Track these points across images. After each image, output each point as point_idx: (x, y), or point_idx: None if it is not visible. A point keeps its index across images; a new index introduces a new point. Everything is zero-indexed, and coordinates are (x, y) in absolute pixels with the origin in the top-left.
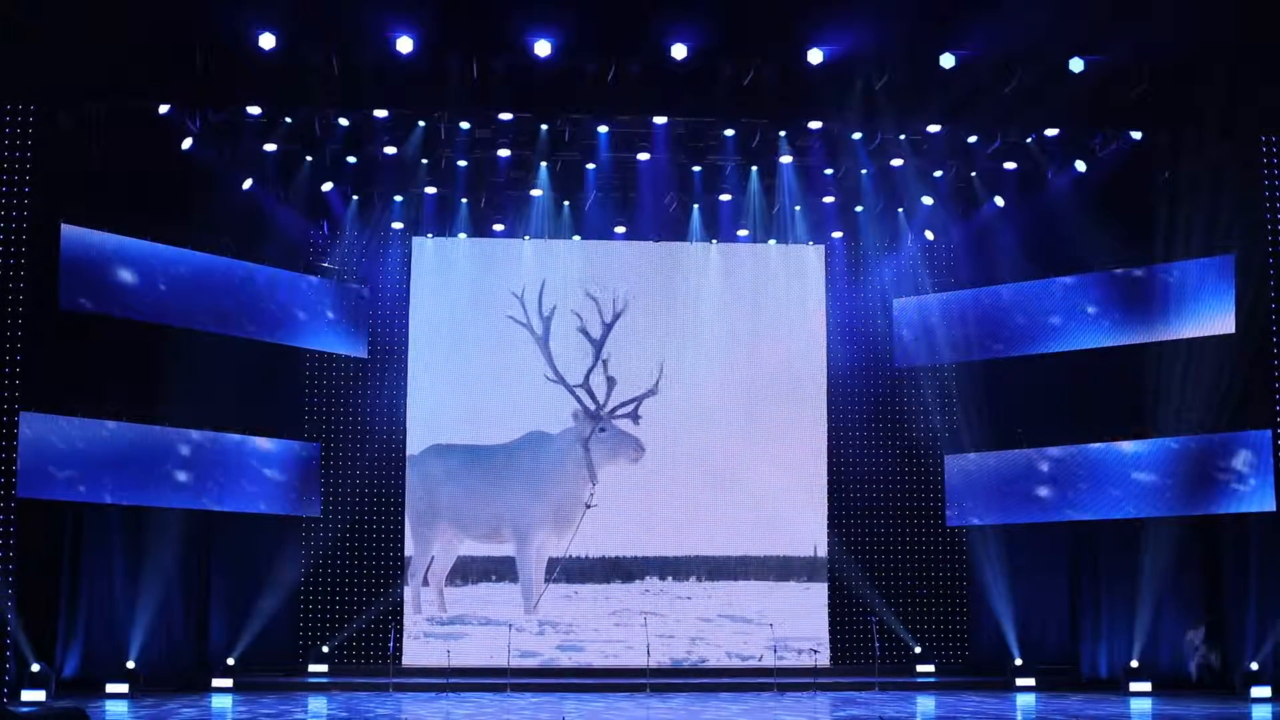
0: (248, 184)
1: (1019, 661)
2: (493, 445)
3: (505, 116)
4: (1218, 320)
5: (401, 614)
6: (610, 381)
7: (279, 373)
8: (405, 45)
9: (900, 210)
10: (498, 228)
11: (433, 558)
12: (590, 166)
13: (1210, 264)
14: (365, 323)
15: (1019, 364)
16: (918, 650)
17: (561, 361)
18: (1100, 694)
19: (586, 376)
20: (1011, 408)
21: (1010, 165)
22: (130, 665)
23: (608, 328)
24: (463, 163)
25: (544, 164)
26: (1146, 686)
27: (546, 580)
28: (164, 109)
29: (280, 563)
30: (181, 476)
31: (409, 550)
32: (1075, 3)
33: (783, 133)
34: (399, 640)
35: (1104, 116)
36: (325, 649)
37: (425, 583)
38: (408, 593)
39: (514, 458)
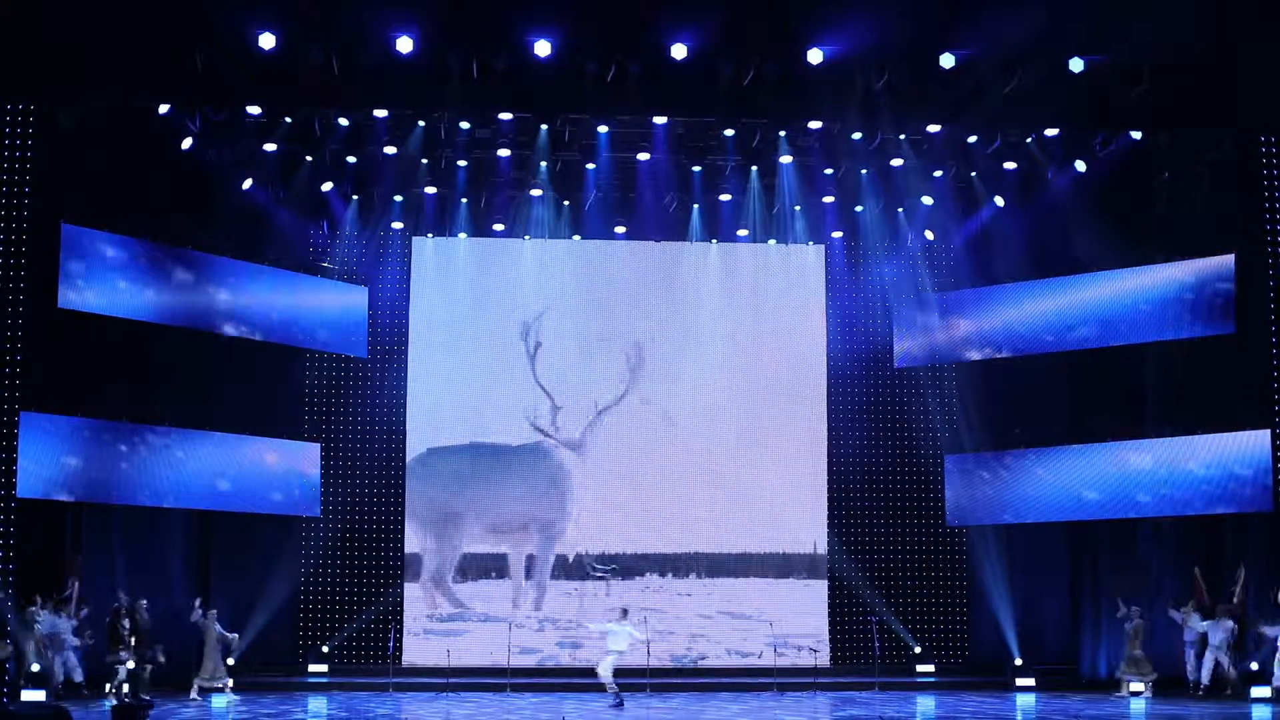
0: (248, 184)
1: (1019, 661)
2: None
3: (505, 116)
4: (1217, 320)
5: (401, 614)
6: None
7: (279, 373)
8: (405, 45)
9: (900, 210)
10: (498, 228)
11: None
12: (590, 166)
13: (1210, 264)
14: (365, 323)
15: (1019, 364)
16: (918, 650)
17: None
18: (1100, 694)
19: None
20: (1011, 408)
21: (1010, 165)
22: (130, 665)
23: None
24: (463, 163)
25: (544, 164)
26: (1140, 686)
27: (552, 577)
28: (164, 109)
29: (280, 563)
30: (181, 476)
31: (409, 548)
32: (1075, 2)
33: (783, 133)
34: (399, 640)
35: (1104, 116)
36: (325, 649)
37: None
38: (410, 589)
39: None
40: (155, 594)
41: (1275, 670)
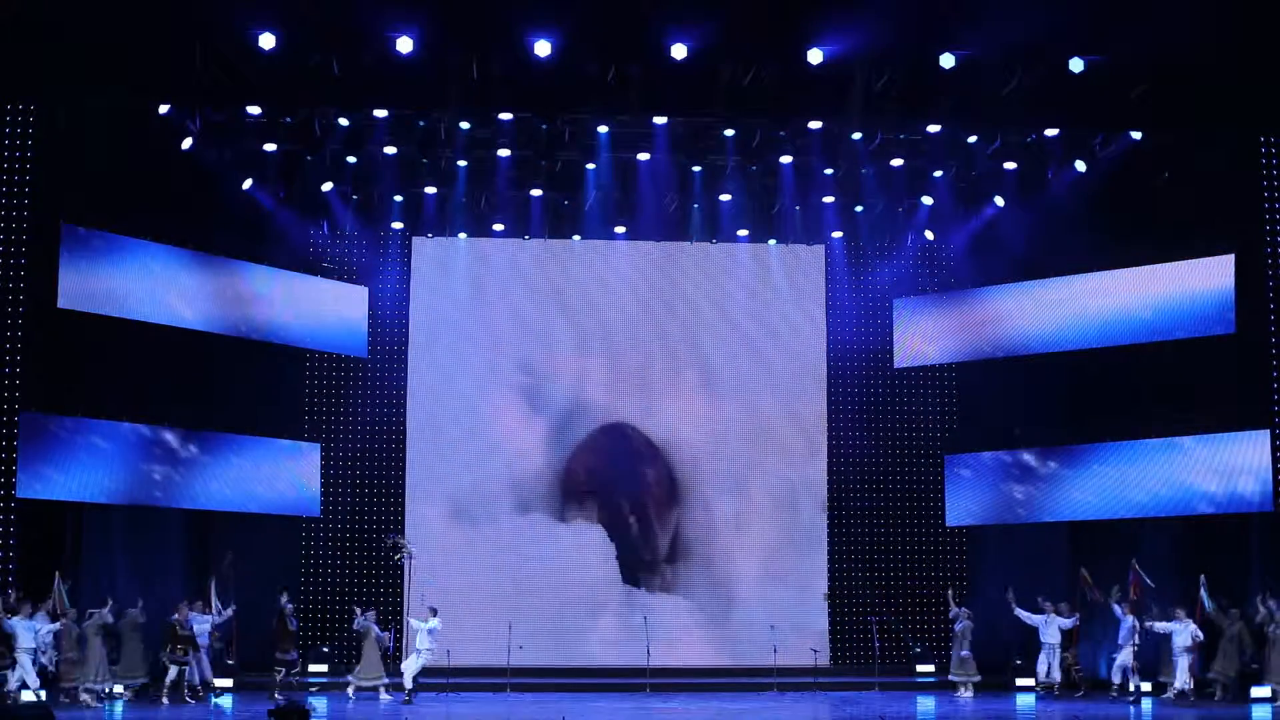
0: (248, 184)
1: (1019, 661)
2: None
3: (505, 116)
4: (1217, 320)
5: (401, 614)
6: None
7: (279, 373)
8: (405, 45)
9: (900, 210)
10: (498, 228)
11: None
12: (590, 166)
13: (1209, 264)
14: (365, 323)
15: (1019, 364)
16: (918, 650)
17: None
18: (1101, 694)
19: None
20: (1011, 408)
21: (1010, 165)
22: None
23: None
24: (463, 163)
25: (544, 164)
26: (1147, 687)
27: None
28: (164, 109)
29: (280, 563)
30: (181, 476)
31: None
32: (1075, 2)
33: (783, 133)
34: (398, 640)
35: (1104, 116)
36: (325, 649)
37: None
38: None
39: None
40: (156, 594)
41: (1175, 669)
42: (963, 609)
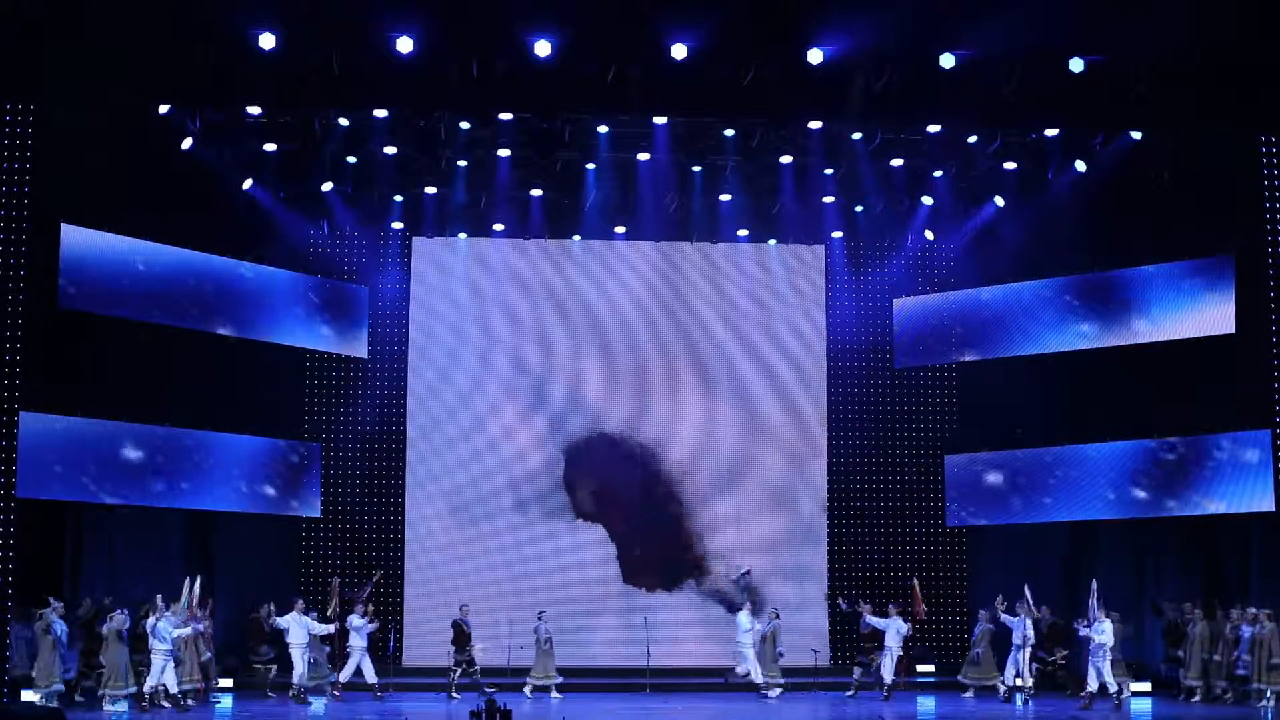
0: (248, 184)
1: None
2: None
3: (505, 116)
4: (1217, 320)
5: (401, 614)
6: None
7: (279, 373)
8: (405, 45)
9: (900, 210)
10: (498, 228)
11: None
12: (590, 166)
13: (1209, 264)
14: (365, 323)
15: (1019, 364)
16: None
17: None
18: (1101, 694)
19: None
20: (1011, 408)
21: (1010, 165)
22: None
23: None
24: (463, 163)
25: (544, 164)
26: (1146, 686)
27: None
28: (164, 109)
29: (280, 563)
30: (181, 476)
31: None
32: (1075, 2)
33: (783, 133)
34: (399, 640)
35: (1104, 116)
36: (326, 649)
37: None
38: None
39: None
40: (157, 595)
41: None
42: (773, 608)
